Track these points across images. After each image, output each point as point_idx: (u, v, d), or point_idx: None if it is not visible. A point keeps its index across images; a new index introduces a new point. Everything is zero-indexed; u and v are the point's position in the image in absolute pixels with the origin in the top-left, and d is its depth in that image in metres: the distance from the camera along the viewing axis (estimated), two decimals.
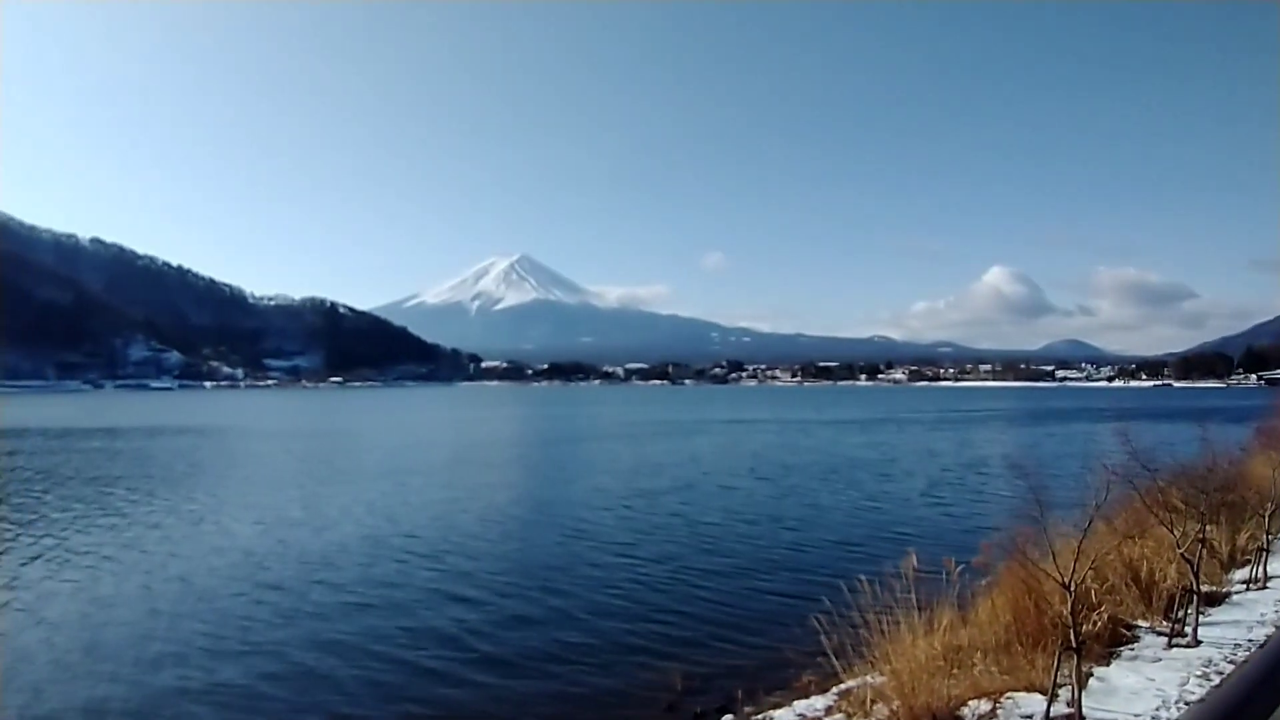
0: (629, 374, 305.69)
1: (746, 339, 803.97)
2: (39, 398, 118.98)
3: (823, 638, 6.05)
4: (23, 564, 12.24)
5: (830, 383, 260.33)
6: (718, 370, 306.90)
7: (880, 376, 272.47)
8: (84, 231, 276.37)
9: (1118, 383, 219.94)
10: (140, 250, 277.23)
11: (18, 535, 14.47)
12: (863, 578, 6.31)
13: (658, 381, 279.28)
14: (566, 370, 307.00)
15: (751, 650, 8.29)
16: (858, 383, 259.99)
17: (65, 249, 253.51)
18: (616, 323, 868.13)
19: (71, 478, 23.06)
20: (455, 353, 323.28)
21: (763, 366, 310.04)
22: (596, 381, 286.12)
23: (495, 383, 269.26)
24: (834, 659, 6.00)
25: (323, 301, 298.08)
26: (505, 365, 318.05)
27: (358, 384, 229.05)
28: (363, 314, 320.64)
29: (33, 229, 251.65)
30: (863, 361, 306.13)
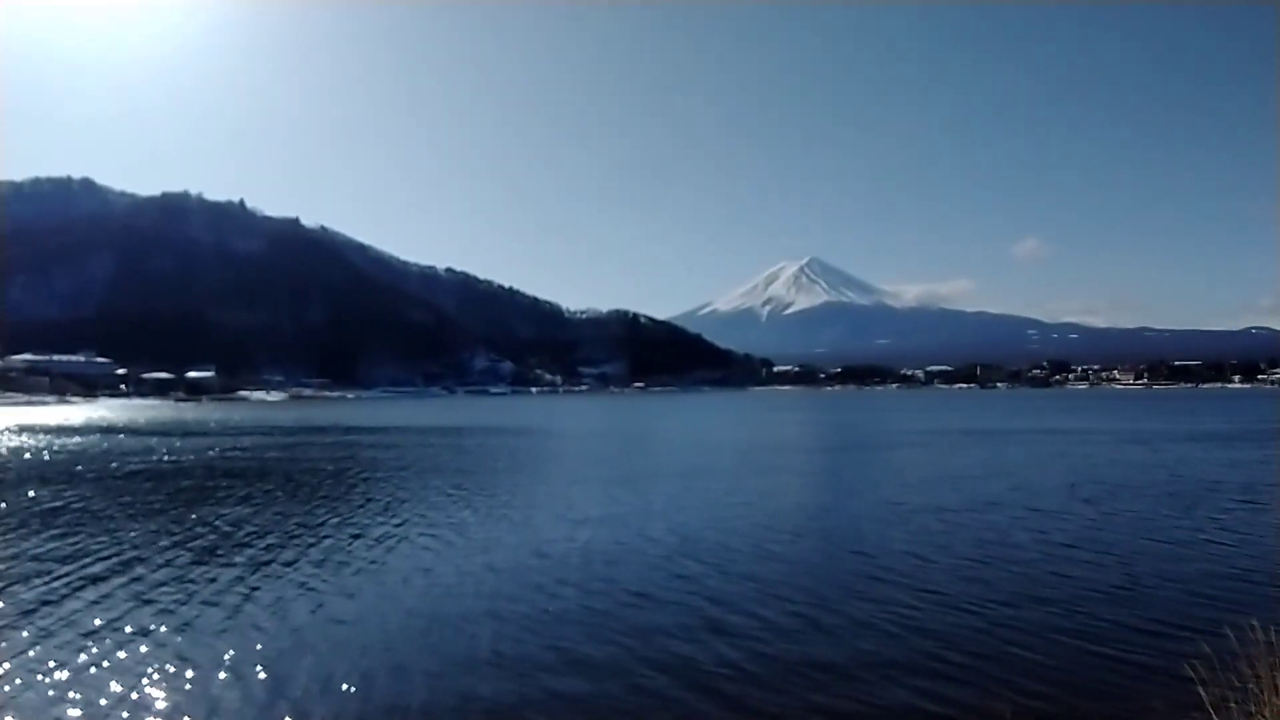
0: (930, 377, 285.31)
1: (1074, 335, 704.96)
2: (411, 401, 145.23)
3: (1200, 689, 5.06)
4: (372, 541, 14.69)
5: (1189, 385, 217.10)
6: (1037, 372, 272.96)
7: (1261, 377, 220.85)
8: (440, 263, 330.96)
9: None
10: (480, 276, 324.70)
11: (376, 515, 17.46)
12: (1255, 624, 5.23)
13: (963, 385, 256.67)
14: (860, 373, 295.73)
15: (1101, 694, 7.12)
16: (1229, 385, 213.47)
17: (428, 279, 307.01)
18: (915, 322, 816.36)
19: (425, 468, 27.48)
20: (747, 358, 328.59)
21: (1095, 367, 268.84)
22: (894, 385, 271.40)
23: (787, 387, 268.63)
24: (1213, 715, 5.00)
25: (626, 313, 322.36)
26: (797, 369, 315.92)
27: (657, 389, 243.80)
28: (661, 323, 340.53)
29: (405, 264, 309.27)
30: (1234, 359, 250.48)
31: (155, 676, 7.70)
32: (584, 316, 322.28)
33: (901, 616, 9.60)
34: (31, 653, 8.33)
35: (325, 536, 14.93)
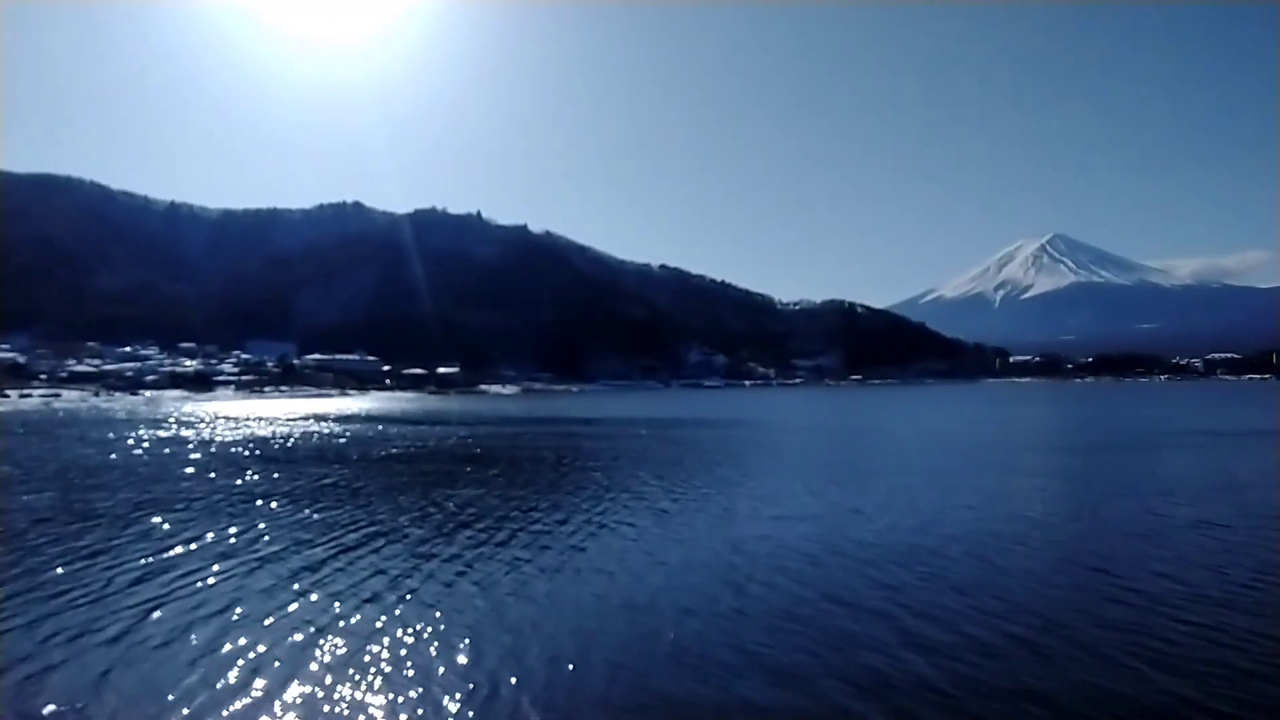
0: (1211, 366, 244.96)
1: None
2: (628, 394, 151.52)
3: None
4: (578, 526, 15.31)
5: None
6: None
7: None
8: (654, 260, 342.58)
9: None
10: (693, 271, 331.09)
11: (584, 501, 18.23)
12: None
13: (1258, 376, 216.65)
14: (1118, 363, 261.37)
15: None
16: None
17: (642, 275, 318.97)
18: (1190, 303, 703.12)
19: (635, 458, 28.37)
20: (979, 347, 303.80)
21: None
22: (1162, 376, 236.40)
23: (1027, 379, 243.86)
24: None
25: (841, 303, 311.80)
26: (1038, 359, 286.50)
27: (876, 381, 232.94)
28: (879, 312, 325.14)
29: (621, 263, 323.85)
30: None
31: (376, 638, 8.63)
32: (797, 308, 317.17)
33: (1150, 651, 8.16)
34: (282, 611, 9.73)
35: (537, 520, 15.89)
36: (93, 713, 6.97)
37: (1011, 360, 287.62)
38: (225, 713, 6.92)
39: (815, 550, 13.04)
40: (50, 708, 7.04)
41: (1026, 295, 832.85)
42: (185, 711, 6.94)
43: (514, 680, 7.51)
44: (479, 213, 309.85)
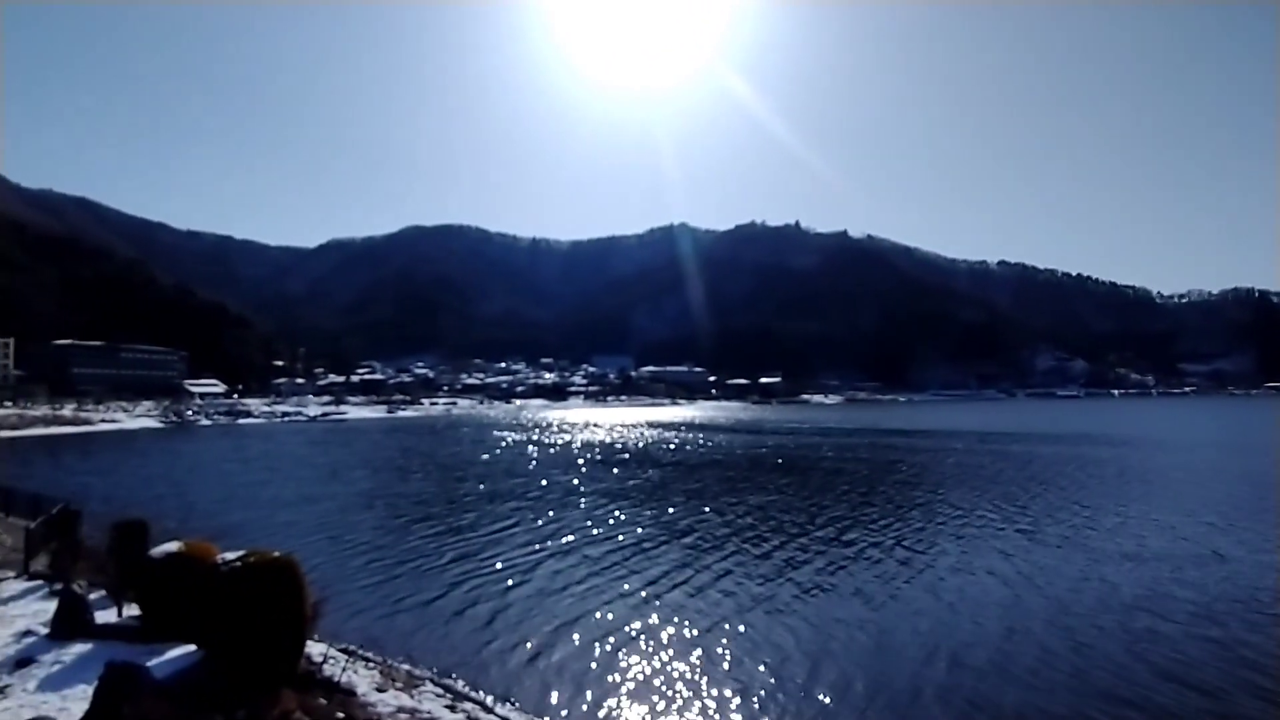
0: None
1: None
2: (962, 404, 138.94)
3: None
4: (885, 548, 14.09)
5: None
6: None
7: None
8: (991, 256, 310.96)
9: None
10: (1040, 266, 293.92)
11: (898, 521, 16.81)
12: None
13: None
14: None
15: None
16: None
17: (978, 275, 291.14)
18: None
19: (957, 476, 25.71)
20: None
21: None
22: None
23: None
24: None
25: (1250, 292, 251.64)
26: None
27: None
28: None
29: (952, 262, 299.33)
30: None
31: (641, 632, 9.01)
32: (1184, 301, 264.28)
33: None
34: (571, 595, 10.39)
35: (827, 537, 15.43)
36: (399, 656, 8.01)
37: None
38: (509, 679, 7.75)
39: (1172, 605, 10.33)
40: (389, 646, 8.22)
41: None
42: (474, 673, 7.89)
43: (763, 691, 7.22)
44: (797, 222, 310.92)
